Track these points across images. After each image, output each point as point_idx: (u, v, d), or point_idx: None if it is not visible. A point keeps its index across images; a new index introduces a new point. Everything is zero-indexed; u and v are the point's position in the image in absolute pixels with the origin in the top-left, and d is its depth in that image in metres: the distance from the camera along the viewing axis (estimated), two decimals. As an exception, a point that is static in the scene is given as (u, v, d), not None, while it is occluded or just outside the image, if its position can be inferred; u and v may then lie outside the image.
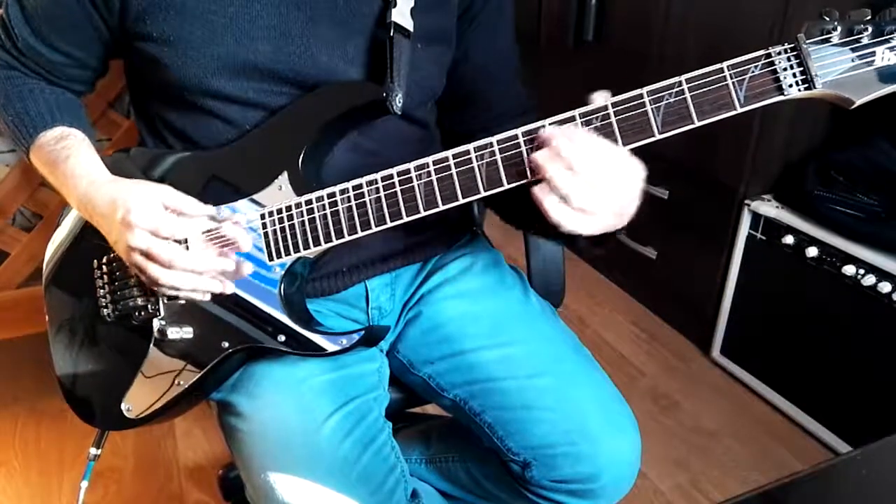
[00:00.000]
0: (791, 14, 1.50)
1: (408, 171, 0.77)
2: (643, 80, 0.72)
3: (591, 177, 0.68)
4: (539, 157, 0.69)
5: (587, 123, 0.72)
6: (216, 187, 0.83)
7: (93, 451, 1.00)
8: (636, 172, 0.72)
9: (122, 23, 0.82)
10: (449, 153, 0.76)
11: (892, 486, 0.69)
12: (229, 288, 0.81)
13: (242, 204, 0.82)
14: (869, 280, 1.44)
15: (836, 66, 0.67)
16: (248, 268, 0.81)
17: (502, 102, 1.00)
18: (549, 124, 0.73)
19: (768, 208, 1.65)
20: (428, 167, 0.76)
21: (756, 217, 1.69)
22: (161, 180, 0.85)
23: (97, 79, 0.94)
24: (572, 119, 0.72)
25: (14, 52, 0.87)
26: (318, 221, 0.80)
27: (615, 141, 0.71)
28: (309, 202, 0.80)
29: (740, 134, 1.68)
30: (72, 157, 0.83)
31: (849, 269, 1.48)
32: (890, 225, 1.45)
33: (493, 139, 0.74)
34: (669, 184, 1.92)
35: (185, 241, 0.79)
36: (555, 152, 0.68)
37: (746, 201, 1.69)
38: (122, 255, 0.78)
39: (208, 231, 0.80)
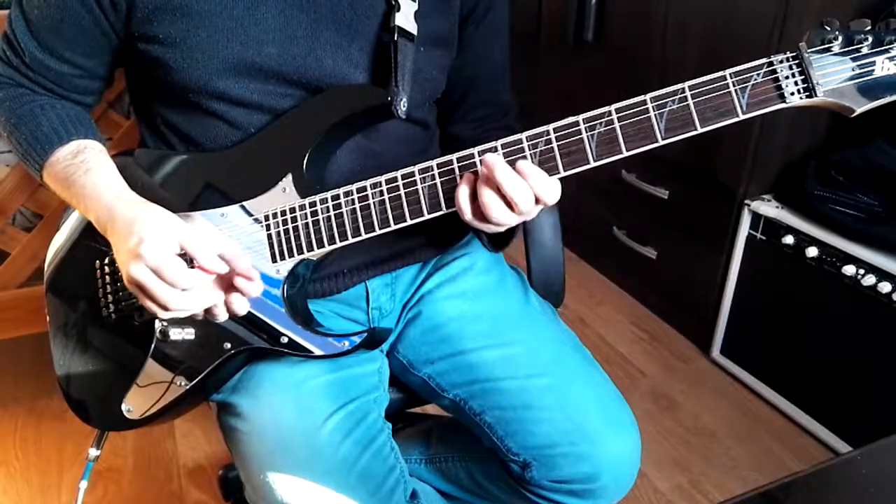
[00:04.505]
0: (790, 15, 1.51)
1: (412, 175, 0.77)
2: (643, 81, 0.72)
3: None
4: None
5: (591, 129, 0.72)
6: (220, 189, 0.83)
7: (92, 451, 1.00)
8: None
9: (127, 25, 0.82)
10: (453, 157, 0.76)
11: (892, 486, 0.69)
12: (225, 317, 0.80)
13: (245, 206, 0.82)
14: (869, 280, 1.45)
15: (836, 75, 0.69)
16: (243, 308, 0.79)
17: (488, 105, 1.01)
18: (553, 128, 0.74)
19: (768, 208, 1.65)
20: (432, 170, 0.77)
21: (756, 217, 1.69)
22: (165, 182, 0.85)
23: (104, 90, 0.93)
24: (576, 124, 0.73)
25: (22, 69, 0.86)
26: (321, 224, 0.80)
27: (619, 146, 0.72)
28: (313, 204, 0.80)
29: (740, 134, 1.68)
30: (93, 170, 0.82)
31: (849, 269, 1.48)
32: (890, 225, 1.45)
33: (498, 143, 0.75)
34: (669, 184, 1.92)
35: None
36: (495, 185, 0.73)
37: (746, 201, 1.70)
38: (124, 278, 0.76)
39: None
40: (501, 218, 0.74)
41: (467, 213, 0.75)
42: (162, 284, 0.72)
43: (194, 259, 0.74)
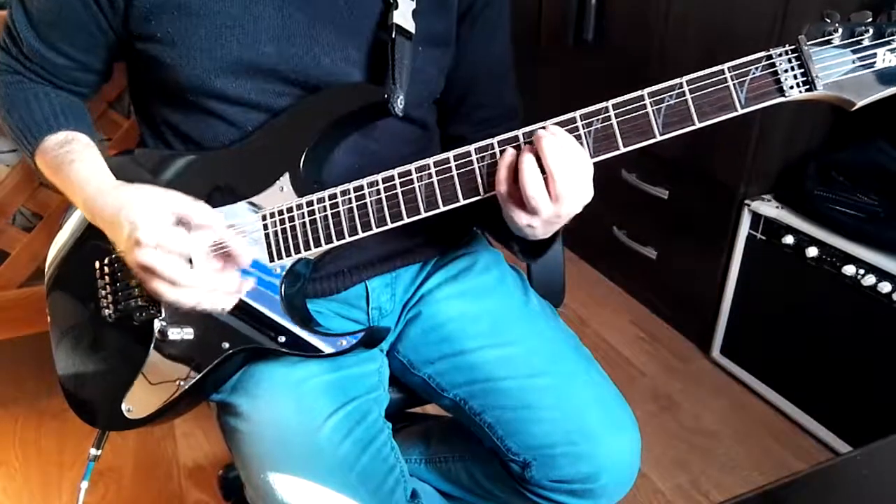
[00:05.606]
0: (791, 13, 1.51)
1: (409, 173, 0.77)
2: (643, 80, 0.72)
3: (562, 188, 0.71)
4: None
5: (588, 125, 0.72)
6: (220, 189, 0.83)
7: (93, 451, 1.00)
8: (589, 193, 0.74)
9: (126, 23, 0.82)
10: (450, 154, 0.76)
11: (892, 486, 0.69)
12: (232, 304, 0.78)
13: (243, 206, 0.82)
14: (869, 280, 1.45)
15: (837, 68, 0.68)
16: (249, 284, 0.78)
17: (490, 107, 1.00)
18: (550, 125, 0.73)
19: (768, 208, 1.65)
20: (429, 168, 0.77)
21: (756, 217, 1.69)
22: (166, 183, 0.85)
23: (102, 83, 0.93)
24: (573, 121, 0.73)
25: (20, 58, 0.87)
26: (318, 222, 0.80)
27: (616, 142, 0.72)
28: (310, 203, 0.80)
29: (740, 134, 1.68)
30: (76, 161, 0.83)
31: (849, 269, 1.48)
32: (890, 225, 1.45)
33: (495, 140, 0.75)
34: (669, 184, 1.92)
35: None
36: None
37: (746, 201, 1.70)
38: (131, 266, 0.75)
39: (214, 244, 0.78)
40: (537, 194, 0.71)
41: (503, 188, 0.73)
42: (169, 259, 0.72)
43: (191, 220, 0.74)
